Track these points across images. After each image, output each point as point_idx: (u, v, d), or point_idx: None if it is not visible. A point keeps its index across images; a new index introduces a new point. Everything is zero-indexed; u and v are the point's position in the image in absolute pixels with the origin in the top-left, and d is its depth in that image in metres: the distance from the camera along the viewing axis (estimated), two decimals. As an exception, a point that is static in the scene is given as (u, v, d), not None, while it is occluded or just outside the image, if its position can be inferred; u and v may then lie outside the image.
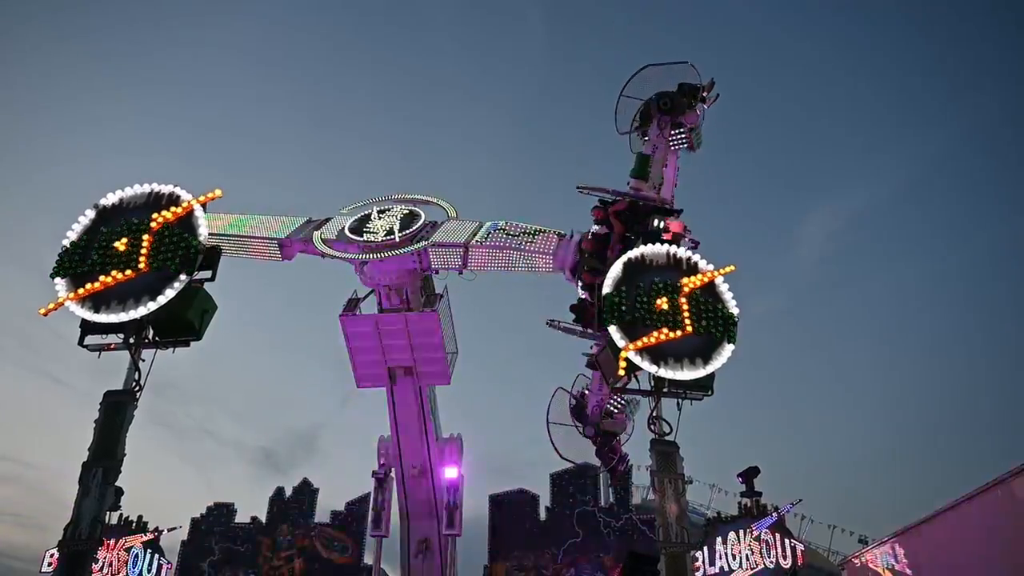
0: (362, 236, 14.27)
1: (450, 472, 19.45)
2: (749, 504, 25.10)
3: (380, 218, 14.94)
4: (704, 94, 10.52)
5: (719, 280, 9.42)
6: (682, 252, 9.48)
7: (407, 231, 13.86)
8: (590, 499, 25.45)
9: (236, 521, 26.87)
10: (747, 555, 23.36)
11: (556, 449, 11.60)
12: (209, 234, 9.57)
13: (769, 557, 23.26)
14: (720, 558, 23.64)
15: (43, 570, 25.35)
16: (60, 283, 8.27)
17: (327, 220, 14.14)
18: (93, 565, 11.65)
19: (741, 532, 23.71)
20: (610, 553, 24.32)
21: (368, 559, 24.13)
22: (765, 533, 23.61)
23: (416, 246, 13.80)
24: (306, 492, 27.06)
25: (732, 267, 9.47)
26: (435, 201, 14.77)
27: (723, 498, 32.83)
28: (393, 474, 19.62)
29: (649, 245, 9.46)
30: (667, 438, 8.84)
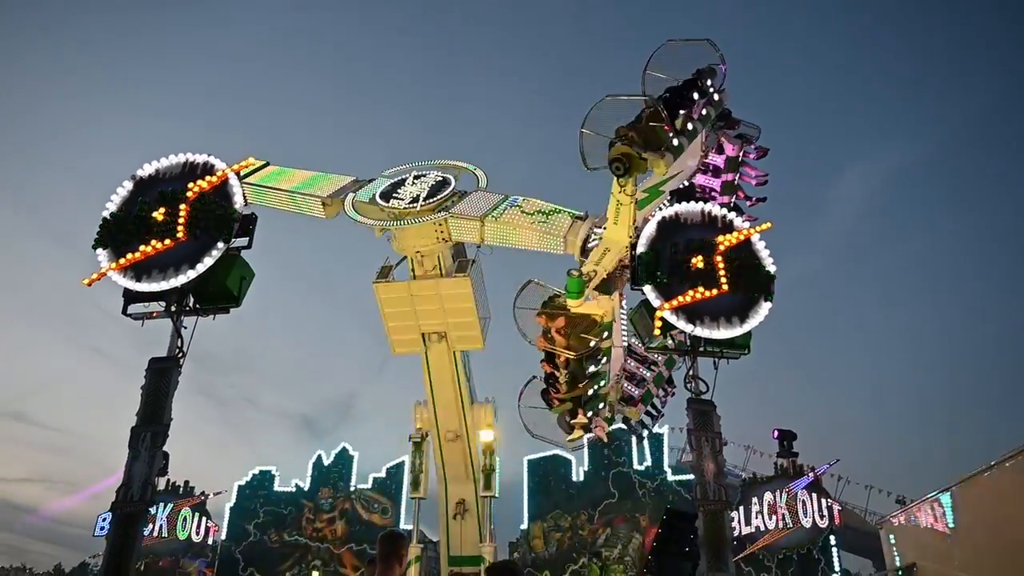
0: (388, 202, 14.31)
1: (485, 436, 19.61)
2: (785, 464, 25.09)
3: (413, 184, 14.97)
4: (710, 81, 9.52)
5: (755, 238, 9.27)
6: (717, 210, 9.33)
7: (432, 199, 13.82)
8: (625, 461, 25.61)
9: (278, 487, 27.62)
10: (783, 515, 23.42)
11: (528, 430, 11.42)
12: (256, 184, 9.54)
13: (805, 517, 23.29)
14: (756, 517, 23.72)
15: (96, 534, 26.40)
16: (102, 254, 8.42)
17: (370, 182, 14.16)
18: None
19: (777, 492, 23.74)
20: (646, 513, 24.52)
21: (407, 522, 24.59)
22: (801, 493, 23.61)
23: (435, 216, 13.79)
24: (345, 458, 27.66)
25: (769, 224, 9.32)
26: (470, 169, 14.66)
27: (758, 459, 32.78)
28: (430, 438, 19.86)
29: (684, 203, 9.32)
30: (703, 397, 8.81)
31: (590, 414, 9.45)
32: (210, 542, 26.74)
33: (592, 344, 8.43)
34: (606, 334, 8.60)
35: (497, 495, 25.35)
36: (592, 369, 8.67)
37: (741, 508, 23.45)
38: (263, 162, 8.78)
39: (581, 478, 25.56)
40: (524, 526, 25.33)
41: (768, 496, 23.79)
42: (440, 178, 15.06)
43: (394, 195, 14.98)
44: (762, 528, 23.49)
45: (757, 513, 23.69)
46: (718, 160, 10.06)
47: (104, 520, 25.89)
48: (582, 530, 24.68)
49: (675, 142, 7.08)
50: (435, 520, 21.73)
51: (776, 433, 25.15)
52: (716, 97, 8.19)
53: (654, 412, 11.46)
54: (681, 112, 7.44)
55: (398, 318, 18.22)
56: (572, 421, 8.76)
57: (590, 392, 9.06)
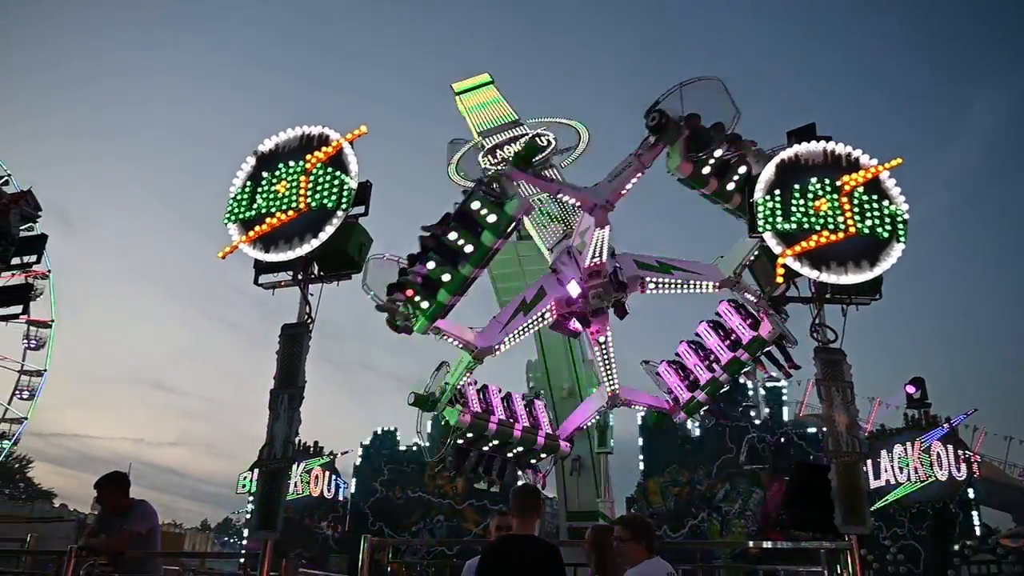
0: (495, 161, 14.50)
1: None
2: (917, 416, 23.86)
3: (512, 144, 15.05)
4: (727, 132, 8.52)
5: (884, 175, 8.69)
6: (841, 148, 8.79)
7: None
8: (741, 415, 25.08)
9: (400, 445, 28.82)
10: (915, 468, 22.35)
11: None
12: None
13: (940, 470, 22.13)
14: (885, 471, 22.76)
15: (237, 491, 28.47)
16: (232, 228, 8.88)
17: (465, 143, 14.59)
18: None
19: (908, 445, 22.66)
20: (765, 468, 23.99)
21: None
22: (935, 445, 22.43)
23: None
24: (461, 417, 28.46)
25: (899, 160, 8.68)
26: (573, 125, 14.62)
27: (884, 412, 31.38)
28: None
29: (803, 144, 8.84)
30: (832, 345, 8.42)
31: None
32: (340, 499, 28.32)
33: None
34: None
35: (612, 451, 25.47)
36: None
37: (869, 461, 22.56)
38: (367, 133, 8.86)
39: (697, 433, 25.25)
40: (640, 480, 25.36)
41: (898, 448, 22.76)
42: (537, 136, 15.10)
43: (498, 154, 15.15)
44: (892, 482, 22.55)
45: (887, 467, 22.74)
46: (741, 329, 9.14)
47: (244, 479, 27.89)
48: (700, 485, 24.46)
49: None
50: (551, 477, 22.11)
51: (909, 385, 23.91)
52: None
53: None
54: None
55: (507, 279, 18.48)
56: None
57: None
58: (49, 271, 37.93)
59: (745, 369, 9.46)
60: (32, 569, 8.62)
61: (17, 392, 40.93)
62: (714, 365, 9.57)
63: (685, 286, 9.22)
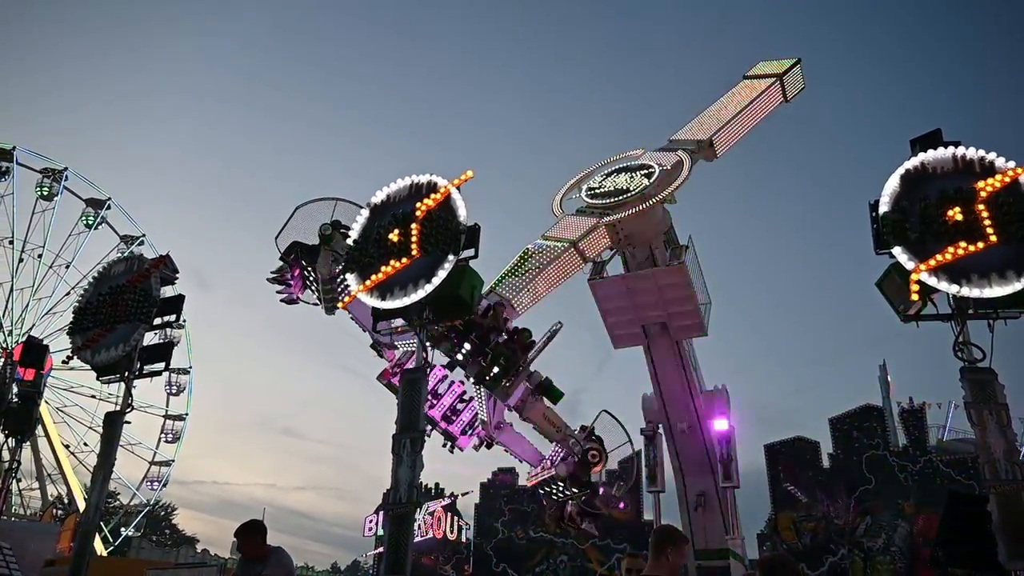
0: (598, 199, 14.50)
1: (720, 424, 19.02)
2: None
3: (619, 176, 15.02)
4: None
5: (1024, 178, 8.01)
6: (972, 152, 8.19)
7: (615, 197, 14.02)
8: (878, 442, 23.50)
9: (519, 484, 28.74)
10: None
11: None
12: None
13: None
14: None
15: (365, 535, 29.14)
16: (350, 278, 9.22)
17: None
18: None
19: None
20: (909, 499, 22.29)
21: (648, 515, 24.45)
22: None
23: (654, 200, 13.75)
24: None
25: (1040, 160, 8.01)
26: (678, 154, 14.49)
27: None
28: (661, 430, 19.64)
29: (929, 151, 8.31)
30: (980, 365, 7.75)
31: None
32: (463, 540, 28.48)
33: None
34: None
35: (739, 485, 24.46)
36: None
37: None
38: (473, 177, 9.12)
39: (828, 463, 23.85)
40: (770, 515, 24.13)
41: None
42: (647, 167, 14.99)
43: (600, 190, 15.09)
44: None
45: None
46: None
47: (370, 522, 28.55)
48: (837, 519, 22.99)
49: None
50: (676, 514, 21.38)
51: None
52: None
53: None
54: None
55: (616, 313, 18.21)
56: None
57: None
58: (184, 320, 40.86)
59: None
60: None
61: (163, 435, 43.97)
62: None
63: None
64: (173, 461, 44.48)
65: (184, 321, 40.84)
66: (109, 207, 44.43)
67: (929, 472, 22.36)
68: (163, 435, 44.16)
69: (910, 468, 22.62)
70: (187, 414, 44.50)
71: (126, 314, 10.68)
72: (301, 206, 10.75)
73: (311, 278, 10.63)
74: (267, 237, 10.74)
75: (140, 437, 44.15)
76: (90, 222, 43.79)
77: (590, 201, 14.54)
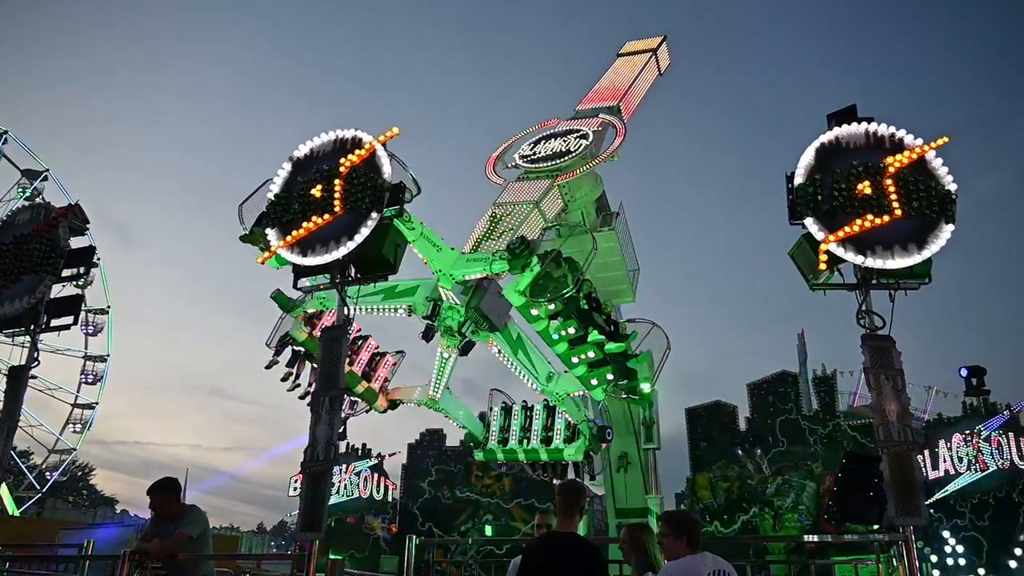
0: (533, 163, 14.51)
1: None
2: (975, 403, 23.06)
3: (551, 141, 15.06)
4: None
5: (931, 155, 8.37)
6: (883, 129, 8.50)
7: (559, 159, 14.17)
8: (792, 407, 24.58)
9: (447, 445, 28.97)
10: (974, 456, 21.61)
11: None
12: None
13: (1001, 458, 21.36)
14: (944, 461, 22.06)
15: (290, 494, 28.98)
16: (271, 233, 9.00)
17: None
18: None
19: (967, 433, 21.91)
20: (818, 461, 23.47)
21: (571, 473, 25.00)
22: (996, 433, 21.65)
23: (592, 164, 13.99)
24: (506, 416, 28.48)
25: (945, 138, 8.36)
26: (608, 119, 14.63)
27: (942, 400, 30.36)
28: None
29: (844, 126, 8.59)
30: (880, 332, 8.14)
31: None
32: (389, 499, 28.61)
33: None
34: None
35: (659, 447, 25.23)
36: None
37: (926, 452, 21.89)
38: (400, 134, 8.90)
39: (744, 427, 24.84)
40: (689, 475, 25.06)
41: (957, 438, 22.03)
42: (577, 130, 15.06)
43: (533, 156, 15.08)
44: (951, 472, 21.84)
45: (945, 457, 22.04)
46: None
47: (296, 481, 28.38)
48: (751, 479, 24.05)
49: None
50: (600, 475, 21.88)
51: (964, 370, 23.11)
52: None
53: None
54: None
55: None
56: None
57: None
58: (98, 259, 39.01)
59: None
60: (90, 574, 8.86)
61: (83, 376, 42.27)
62: None
63: None
64: (97, 404, 42.85)
65: (98, 259, 38.97)
66: (6, 141, 40.05)
67: (837, 436, 23.55)
68: (83, 376, 42.46)
69: (820, 431, 23.77)
70: (108, 355, 42.76)
71: (31, 265, 10.18)
72: (270, 180, 10.11)
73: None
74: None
75: (62, 383, 42.48)
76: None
77: (532, 166, 14.51)
